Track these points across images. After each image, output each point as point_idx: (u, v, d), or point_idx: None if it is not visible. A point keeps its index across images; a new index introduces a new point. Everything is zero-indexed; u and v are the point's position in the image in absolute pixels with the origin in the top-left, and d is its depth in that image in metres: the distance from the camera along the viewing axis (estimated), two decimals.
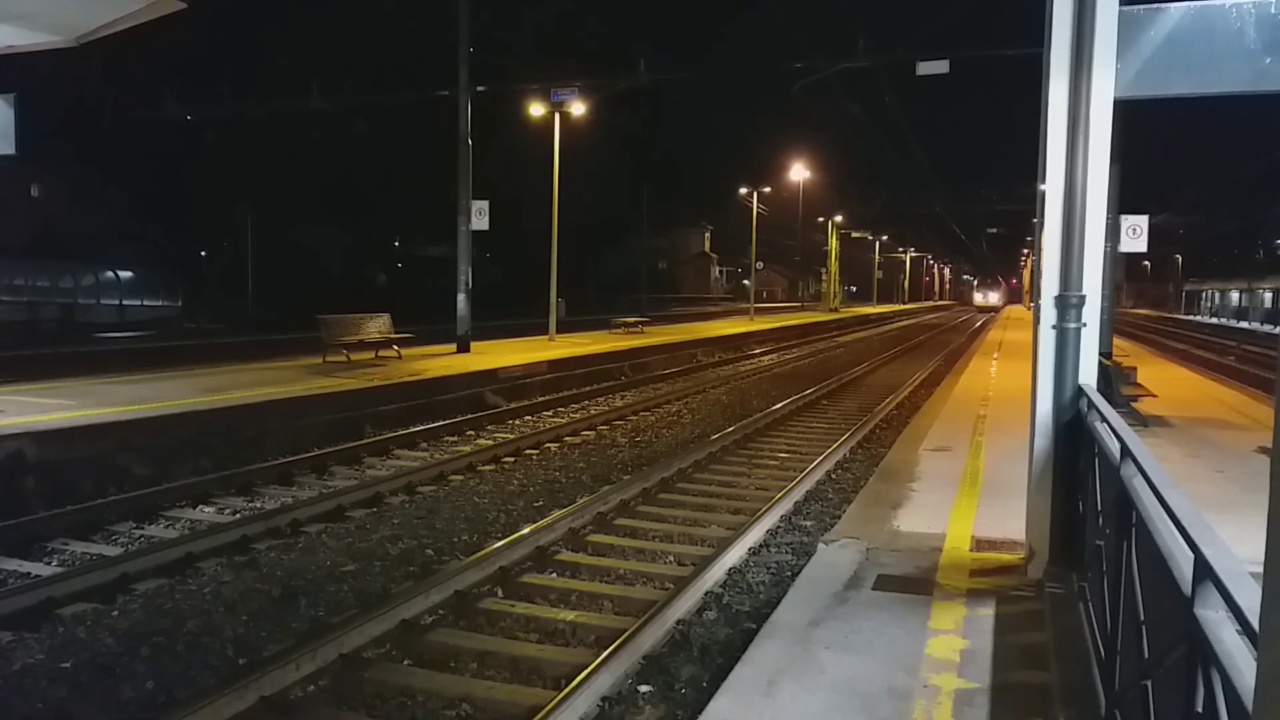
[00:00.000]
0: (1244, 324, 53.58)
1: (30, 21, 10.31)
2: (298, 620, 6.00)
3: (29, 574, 6.86)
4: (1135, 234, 12.44)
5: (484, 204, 20.38)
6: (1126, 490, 3.23)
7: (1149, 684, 2.63)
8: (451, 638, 5.66)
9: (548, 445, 12.17)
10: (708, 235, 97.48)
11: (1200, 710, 1.94)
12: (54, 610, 6.02)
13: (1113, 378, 11.38)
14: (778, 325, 37.86)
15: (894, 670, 4.27)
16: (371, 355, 17.27)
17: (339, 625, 5.53)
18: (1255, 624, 1.50)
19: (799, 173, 50.90)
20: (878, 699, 3.99)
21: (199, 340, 27.78)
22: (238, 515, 8.51)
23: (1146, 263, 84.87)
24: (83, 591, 6.31)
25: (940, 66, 19.20)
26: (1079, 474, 5.12)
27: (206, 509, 8.81)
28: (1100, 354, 5.85)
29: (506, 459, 11.20)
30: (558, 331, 24.49)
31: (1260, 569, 1.34)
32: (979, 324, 57.35)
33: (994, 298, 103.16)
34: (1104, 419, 4.30)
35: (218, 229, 50.38)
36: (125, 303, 37.78)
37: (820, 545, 6.43)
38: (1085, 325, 5.30)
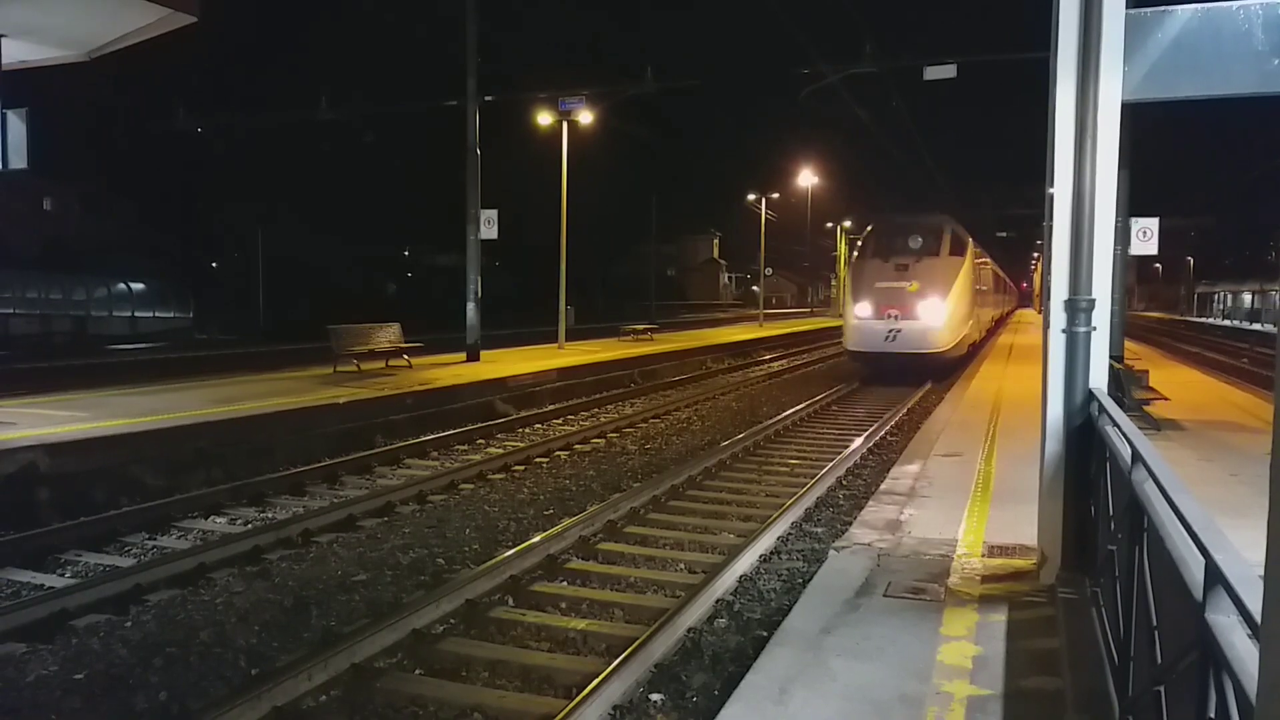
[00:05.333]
0: (1257, 326, 53.29)
1: (42, 37, 10.43)
2: (309, 630, 6.01)
3: (42, 585, 6.89)
4: (1145, 236, 12.41)
5: (493, 213, 20.44)
6: (1137, 495, 3.22)
7: (1162, 689, 2.61)
8: (463, 647, 5.67)
9: (558, 453, 12.18)
10: (716, 242, 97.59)
11: (1213, 716, 1.93)
12: (67, 621, 6.05)
13: (1124, 381, 11.33)
14: (787, 331, 37.84)
15: (906, 677, 4.26)
16: (382, 365, 17.33)
17: (351, 635, 5.54)
18: None
19: (807, 178, 50.93)
20: (890, 706, 3.98)
21: (210, 351, 27.91)
22: (249, 525, 8.53)
23: (1158, 265, 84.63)
24: (96, 603, 6.34)
25: (947, 71, 19.19)
26: (1090, 479, 5.10)
27: (219, 519, 8.84)
28: (1111, 357, 5.84)
29: (517, 467, 11.21)
30: (567, 339, 24.53)
31: None
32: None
33: (926, 312, 20.17)
34: (1115, 423, 4.28)
35: (228, 240, 50.69)
36: (137, 314, 38.06)
37: (831, 552, 6.41)
38: (1095, 329, 5.28)
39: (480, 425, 13.72)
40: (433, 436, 12.66)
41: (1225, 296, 70.28)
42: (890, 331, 20.24)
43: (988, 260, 33.08)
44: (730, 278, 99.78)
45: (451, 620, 6.09)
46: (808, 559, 7.41)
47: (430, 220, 57.70)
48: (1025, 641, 4.66)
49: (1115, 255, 5.57)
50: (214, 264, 53.36)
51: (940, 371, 20.26)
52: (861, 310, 20.88)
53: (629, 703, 4.87)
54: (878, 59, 19.54)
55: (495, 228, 20.43)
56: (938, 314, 20.11)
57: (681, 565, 7.42)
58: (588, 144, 27.40)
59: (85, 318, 35.55)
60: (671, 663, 5.40)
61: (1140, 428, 4.72)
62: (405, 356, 17.92)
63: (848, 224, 65.32)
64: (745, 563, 7.17)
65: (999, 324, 42.36)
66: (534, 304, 35.29)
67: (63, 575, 7.24)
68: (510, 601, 6.51)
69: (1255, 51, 4.95)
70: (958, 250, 21.57)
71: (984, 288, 28.69)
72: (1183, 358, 27.52)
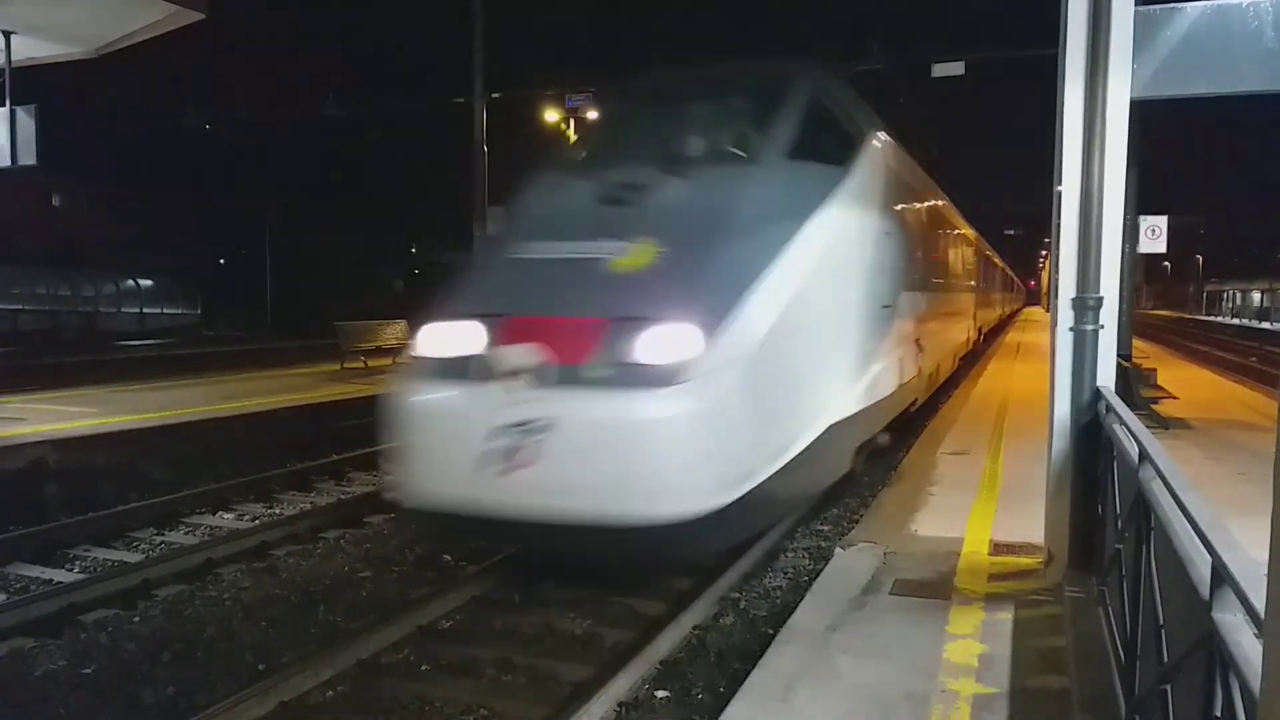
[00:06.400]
0: (1266, 324, 53.06)
1: (51, 34, 10.47)
2: (316, 626, 6.03)
3: (51, 580, 6.93)
4: (1154, 234, 12.35)
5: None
6: (1144, 493, 3.21)
7: (1168, 688, 2.61)
8: (469, 643, 5.67)
9: None
10: None
11: (1219, 715, 1.93)
12: (76, 616, 6.08)
13: (1132, 380, 11.29)
14: None
15: (912, 675, 4.25)
16: (389, 361, 17.34)
17: (357, 631, 5.56)
18: None
19: None
20: (895, 704, 3.97)
21: (218, 347, 27.99)
22: (257, 521, 8.56)
23: (1166, 263, 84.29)
24: (104, 598, 6.37)
25: (955, 68, 19.14)
26: (1097, 477, 5.09)
27: (226, 515, 8.87)
28: (1119, 356, 5.82)
29: None
30: None
31: None
32: None
33: (655, 349, 4.77)
34: (1122, 421, 4.27)
35: (236, 237, 50.79)
36: (145, 311, 38.12)
37: (837, 550, 6.40)
38: (1103, 327, 5.25)
39: None
40: None
41: (1234, 295, 70.00)
42: (516, 434, 4.85)
43: (979, 242, 19.29)
44: None
45: (458, 616, 6.09)
46: (813, 557, 7.39)
47: (437, 217, 57.70)
48: (1032, 640, 4.65)
49: (1123, 253, 5.55)
50: (222, 260, 53.45)
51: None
52: (429, 345, 5.81)
53: (634, 700, 4.87)
54: (885, 56, 19.50)
55: None
56: (689, 360, 4.87)
57: None
58: None
59: (94, 314, 35.62)
60: (677, 660, 5.40)
61: (1148, 426, 4.71)
62: None
63: None
64: (750, 561, 7.15)
65: (1000, 326, 32.82)
66: None
67: (71, 570, 7.28)
68: (517, 599, 6.51)
69: (1265, 49, 4.92)
70: (832, 147, 7.04)
71: (938, 275, 12.73)
72: (1191, 356, 27.41)
